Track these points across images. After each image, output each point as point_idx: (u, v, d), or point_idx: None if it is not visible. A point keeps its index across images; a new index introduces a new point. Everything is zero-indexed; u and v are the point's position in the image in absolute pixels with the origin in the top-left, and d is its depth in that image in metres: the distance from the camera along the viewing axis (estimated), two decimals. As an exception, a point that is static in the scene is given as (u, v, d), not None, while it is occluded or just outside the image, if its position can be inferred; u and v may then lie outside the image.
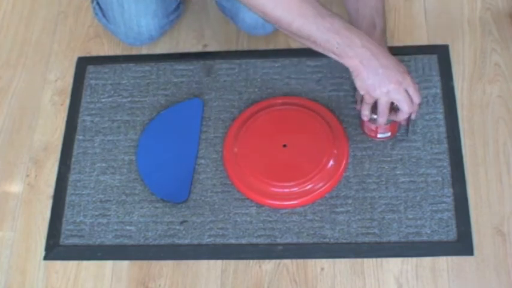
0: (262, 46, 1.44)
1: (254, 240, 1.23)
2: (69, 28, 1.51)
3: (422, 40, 1.40)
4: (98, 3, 1.41)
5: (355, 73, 1.09)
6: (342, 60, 1.08)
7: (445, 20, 1.42)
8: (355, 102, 1.31)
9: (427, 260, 1.19)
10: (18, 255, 1.26)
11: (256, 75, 1.39)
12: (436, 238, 1.19)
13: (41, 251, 1.26)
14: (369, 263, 1.19)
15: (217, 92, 1.38)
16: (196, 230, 1.25)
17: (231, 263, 1.22)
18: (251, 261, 1.22)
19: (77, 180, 1.32)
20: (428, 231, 1.20)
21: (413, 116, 1.18)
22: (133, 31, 1.38)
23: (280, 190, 1.25)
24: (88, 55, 1.47)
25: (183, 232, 1.25)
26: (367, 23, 1.21)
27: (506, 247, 1.18)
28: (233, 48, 1.44)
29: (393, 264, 1.19)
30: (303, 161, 1.26)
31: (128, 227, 1.26)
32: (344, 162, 1.27)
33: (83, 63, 1.45)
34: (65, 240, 1.26)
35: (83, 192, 1.31)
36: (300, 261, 1.21)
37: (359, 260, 1.20)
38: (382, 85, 1.09)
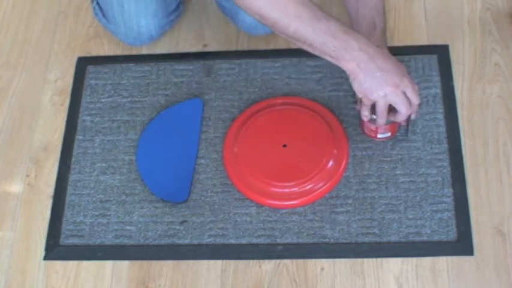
0: (262, 46, 1.43)
1: (254, 240, 1.23)
2: (69, 28, 1.51)
3: (422, 40, 1.40)
4: (97, 3, 1.41)
5: (352, 76, 1.08)
6: (338, 64, 1.08)
7: (445, 20, 1.42)
8: (355, 102, 1.31)
9: (427, 260, 1.19)
10: (18, 255, 1.26)
11: (256, 75, 1.39)
12: (436, 238, 1.19)
13: (41, 251, 1.26)
14: (369, 263, 1.19)
15: (217, 92, 1.38)
16: (196, 230, 1.25)
17: (231, 263, 1.22)
18: (251, 261, 1.22)
19: (77, 180, 1.32)
20: (428, 231, 1.20)
21: (413, 116, 1.18)
22: (133, 31, 1.38)
23: (280, 190, 1.25)
24: (88, 55, 1.47)
25: (183, 232, 1.25)
26: (367, 23, 1.21)
27: (506, 247, 1.18)
28: (233, 48, 1.44)
29: (393, 264, 1.19)
30: (303, 161, 1.26)
31: (127, 227, 1.26)
32: (344, 162, 1.27)
33: (83, 63, 1.45)
34: (65, 240, 1.26)
35: (83, 192, 1.31)
36: (300, 261, 1.21)
37: (359, 260, 1.20)
38: (379, 88, 1.08)
